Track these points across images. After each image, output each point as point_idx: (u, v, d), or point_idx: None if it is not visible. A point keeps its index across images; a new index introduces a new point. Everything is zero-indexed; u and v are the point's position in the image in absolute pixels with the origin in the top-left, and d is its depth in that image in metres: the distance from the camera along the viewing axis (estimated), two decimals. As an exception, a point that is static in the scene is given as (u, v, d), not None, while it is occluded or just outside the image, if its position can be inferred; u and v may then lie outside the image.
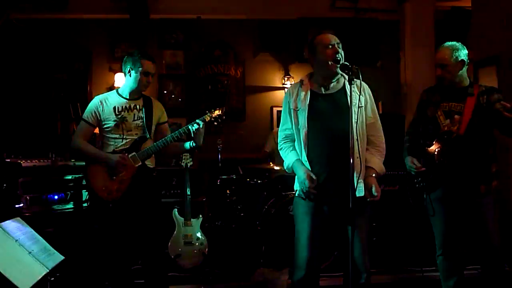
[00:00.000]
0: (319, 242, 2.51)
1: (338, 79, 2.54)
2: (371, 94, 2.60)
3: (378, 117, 2.60)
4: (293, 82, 5.70)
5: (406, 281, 3.80)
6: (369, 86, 2.63)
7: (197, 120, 3.00)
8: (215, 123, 3.13)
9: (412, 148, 3.00)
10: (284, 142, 2.64)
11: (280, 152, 2.67)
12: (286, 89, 2.79)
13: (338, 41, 2.51)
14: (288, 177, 4.48)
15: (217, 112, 3.12)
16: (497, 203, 2.86)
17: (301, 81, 2.61)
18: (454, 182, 2.77)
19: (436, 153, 2.79)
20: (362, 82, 2.55)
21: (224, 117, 3.16)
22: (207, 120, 3.08)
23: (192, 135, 2.98)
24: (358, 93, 2.50)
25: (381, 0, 5.83)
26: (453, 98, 2.84)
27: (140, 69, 2.94)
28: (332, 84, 2.55)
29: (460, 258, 2.91)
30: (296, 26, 5.62)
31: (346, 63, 2.43)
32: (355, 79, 2.44)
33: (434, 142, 2.83)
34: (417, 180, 2.94)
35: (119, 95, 3.04)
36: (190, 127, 2.98)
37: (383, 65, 5.73)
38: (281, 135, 2.66)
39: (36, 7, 5.28)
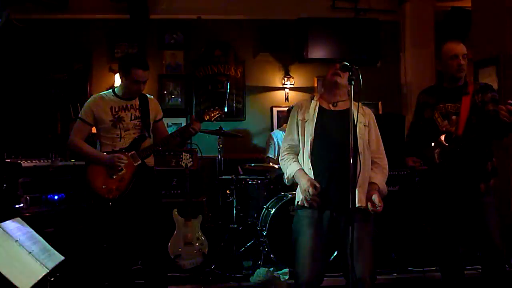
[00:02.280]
0: (321, 255, 2.48)
1: (345, 100, 2.60)
2: (374, 119, 2.67)
3: (382, 144, 2.66)
4: (293, 83, 5.72)
5: (407, 281, 3.80)
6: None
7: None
8: (214, 122, 3.16)
9: (412, 150, 3.00)
10: (287, 154, 2.64)
11: (281, 162, 2.67)
12: (295, 104, 2.85)
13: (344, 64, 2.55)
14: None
15: (215, 113, 3.15)
16: (497, 203, 2.86)
17: (312, 97, 2.70)
18: (455, 182, 2.77)
19: (436, 154, 2.79)
20: (368, 110, 2.68)
21: (223, 116, 3.19)
22: (206, 119, 3.11)
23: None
24: (363, 115, 2.59)
25: (381, 0, 5.83)
26: (449, 99, 2.84)
27: (130, 77, 2.91)
28: (340, 103, 2.61)
29: (461, 258, 2.91)
30: (296, 26, 5.62)
31: (346, 63, 2.44)
32: (359, 104, 2.54)
33: (433, 144, 2.83)
34: (418, 181, 2.94)
35: (116, 95, 3.03)
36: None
37: (383, 65, 5.72)
38: (284, 145, 2.67)
39: (36, 7, 5.28)
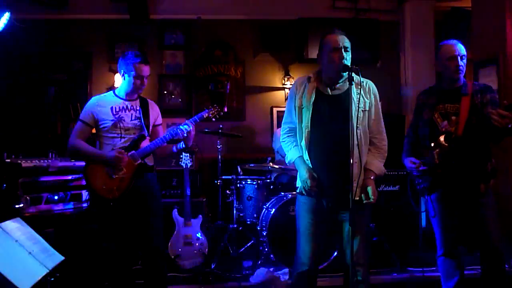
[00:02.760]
0: (320, 238, 2.55)
1: (344, 80, 2.52)
2: (377, 95, 2.59)
3: (382, 119, 2.61)
4: (293, 83, 5.70)
5: (406, 281, 3.80)
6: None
7: (186, 122, 3.00)
8: (213, 120, 3.15)
9: (411, 151, 3.00)
10: (287, 136, 2.66)
11: (283, 145, 2.70)
12: (293, 82, 2.78)
13: (346, 43, 2.49)
14: (288, 177, 4.50)
15: (214, 110, 3.14)
16: (497, 203, 2.86)
17: (309, 78, 2.61)
18: (455, 183, 2.77)
19: (435, 154, 2.78)
20: (369, 83, 2.57)
21: (221, 113, 3.18)
22: (205, 117, 3.10)
23: (186, 135, 2.98)
24: (364, 96, 2.51)
25: (381, 1, 5.82)
26: (448, 100, 2.83)
27: (133, 73, 2.93)
28: (338, 85, 2.54)
29: (461, 258, 2.91)
30: (296, 26, 5.62)
31: (346, 63, 2.45)
32: (362, 80, 2.49)
33: (433, 145, 2.82)
34: (418, 182, 2.94)
35: (116, 95, 3.05)
36: (182, 127, 2.98)
37: (383, 65, 5.72)
38: (284, 128, 2.68)
39: (36, 7, 5.28)
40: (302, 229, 2.56)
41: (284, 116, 2.69)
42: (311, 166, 2.51)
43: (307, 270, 2.52)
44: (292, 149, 2.61)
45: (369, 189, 2.46)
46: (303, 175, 2.51)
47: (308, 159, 2.52)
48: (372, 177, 2.51)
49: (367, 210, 2.55)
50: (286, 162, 2.68)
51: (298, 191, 2.62)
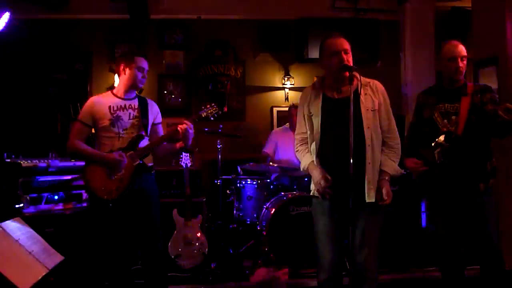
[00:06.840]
0: (339, 240, 2.53)
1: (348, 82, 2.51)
2: (386, 94, 2.59)
3: (393, 118, 2.61)
4: (293, 83, 5.72)
5: (407, 281, 3.80)
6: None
7: (185, 121, 3.00)
8: (211, 119, 3.14)
9: (412, 151, 3.00)
10: (301, 145, 2.67)
11: (297, 154, 2.71)
12: (301, 92, 2.80)
13: (345, 47, 2.49)
14: (288, 177, 4.51)
15: (212, 110, 3.13)
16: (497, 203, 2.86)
17: (313, 85, 2.64)
18: (455, 182, 2.78)
19: (436, 154, 2.78)
20: (376, 82, 2.57)
21: (220, 113, 3.16)
22: (203, 116, 3.09)
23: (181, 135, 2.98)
24: (372, 96, 2.51)
25: (381, 0, 5.83)
26: (448, 99, 2.84)
27: (134, 65, 2.97)
28: (344, 88, 2.53)
29: (461, 258, 2.91)
30: (296, 26, 5.62)
31: (345, 63, 2.44)
32: (369, 80, 2.51)
33: (433, 144, 2.82)
34: (418, 182, 2.94)
35: (114, 95, 3.05)
36: (180, 127, 2.97)
37: (383, 65, 5.72)
38: (297, 138, 2.69)
39: (36, 7, 5.28)
40: (320, 232, 2.55)
41: (297, 127, 2.70)
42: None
43: (329, 277, 2.50)
44: (306, 155, 2.61)
45: (383, 189, 2.45)
46: (315, 177, 2.50)
47: (319, 163, 2.52)
48: (387, 178, 2.50)
49: (381, 214, 2.53)
50: (301, 169, 2.67)
51: (311, 193, 2.61)
